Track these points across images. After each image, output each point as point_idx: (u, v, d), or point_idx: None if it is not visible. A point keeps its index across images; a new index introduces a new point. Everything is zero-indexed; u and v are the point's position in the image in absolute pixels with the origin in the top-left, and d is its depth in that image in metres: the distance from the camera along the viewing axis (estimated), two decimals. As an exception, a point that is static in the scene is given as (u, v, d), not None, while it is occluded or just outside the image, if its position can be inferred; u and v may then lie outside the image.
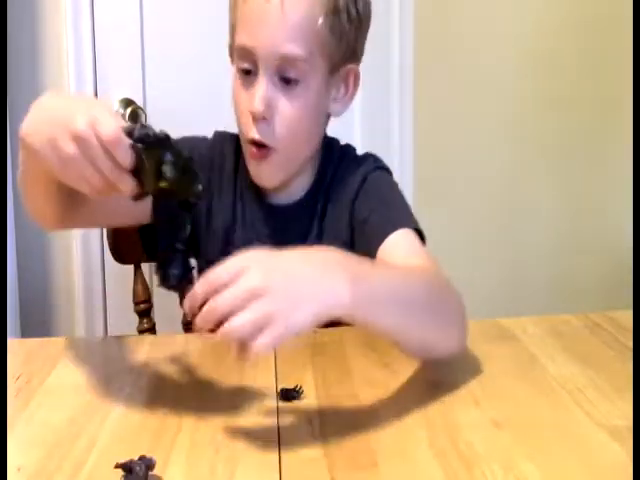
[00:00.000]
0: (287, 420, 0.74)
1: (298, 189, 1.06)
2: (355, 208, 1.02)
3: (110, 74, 1.61)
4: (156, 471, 0.62)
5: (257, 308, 0.64)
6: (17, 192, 1.53)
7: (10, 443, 0.69)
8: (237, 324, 0.64)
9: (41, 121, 0.77)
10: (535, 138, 2.02)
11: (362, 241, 1.00)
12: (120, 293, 1.51)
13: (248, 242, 1.03)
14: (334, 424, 0.73)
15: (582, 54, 2.00)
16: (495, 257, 1.99)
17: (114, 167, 0.70)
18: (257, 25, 0.95)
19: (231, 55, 1.04)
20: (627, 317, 1.04)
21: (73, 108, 0.72)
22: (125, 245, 1.32)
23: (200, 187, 0.71)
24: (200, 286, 0.67)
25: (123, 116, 1.61)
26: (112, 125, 0.69)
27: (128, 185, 0.71)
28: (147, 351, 0.96)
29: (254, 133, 0.99)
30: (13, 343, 1.03)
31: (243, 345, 0.65)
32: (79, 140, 0.69)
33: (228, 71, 1.76)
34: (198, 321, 0.66)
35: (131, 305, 1.34)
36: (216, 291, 0.65)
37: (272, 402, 0.78)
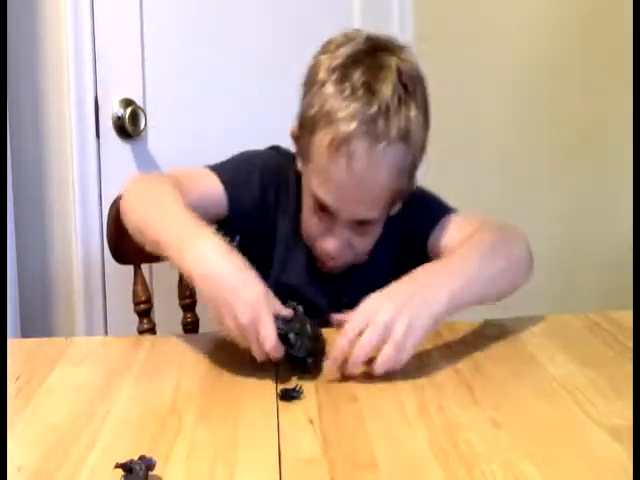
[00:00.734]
0: (287, 420, 0.74)
1: None
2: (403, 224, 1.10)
3: (110, 74, 1.61)
4: (156, 471, 0.62)
5: (393, 339, 0.83)
6: (17, 192, 1.54)
7: (10, 443, 0.69)
8: (387, 356, 0.83)
9: (211, 283, 0.84)
10: (535, 139, 2.02)
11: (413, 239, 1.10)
12: (120, 293, 1.51)
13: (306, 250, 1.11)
14: (334, 424, 0.73)
15: (583, 55, 2.00)
16: (495, 257, 1.99)
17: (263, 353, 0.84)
18: (339, 191, 0.98)
19: (296, 146, 1.07)
20: (627, 317, 1.04)
21: (238, 291, 0.83)
22: (125, 245, 1.32)
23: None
24: (344, 340, 0.83)
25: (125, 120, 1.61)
26: (272, 337, 0.81)
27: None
28: (147, 351, 0.96)
29: (324, 256, 1.07)
30: (13, 343, 1.03)
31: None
32: (241, 329, 0.82)
33: (228, 71, 1.76)
34: (350, 367, 0.83)
35: (131, 305, 1.34)
36: (356, 338, 0.83)
37: (272, 402, 0.78)
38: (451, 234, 1.07)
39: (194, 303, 1.38)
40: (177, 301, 1.39)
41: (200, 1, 1.70)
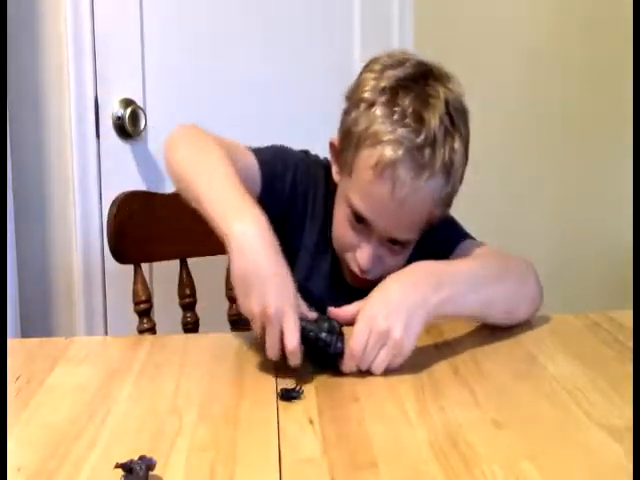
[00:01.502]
0: (287, 420, 0.74)
1: None
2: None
3: (110, 74, 1.61)
4: (156, 471, 0.62)
5: (388, 346, 0.86)
6: (17, 192, 1.54)
7: (10, 443, 0.69)
8: (380, 361, 0.86)
9: (248, 261, 0.85)
10: (535, 140, 2.02)
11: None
12: (120, 293, 1.51)
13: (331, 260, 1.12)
14: (334, 424, 0.73)
15: (583, 52, 2.00)
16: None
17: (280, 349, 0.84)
18: (379, 211, 1.00)
19: (334, 156, 1.08)
20: (627, 317, 1.04)
21: (273, 279, 0.84)
22: (125, 245, 1.32)
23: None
24: (353, 362, 0.86)
25: (120, 121, 1.61)
26: (295, 335, 0.82)
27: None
28: (147, 351, 0.96)
29: (357, 270, 1.06)
30: (13, 343, 1.03)
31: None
32: (266, 317, 0.82)
33: (228, 71, 1.76)
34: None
35: (131, 305, 1.34)
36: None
37: (272, 402, 0.78)
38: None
39: (194, 303, 1.39)
40: (177, 301, 1.39)
41: (200, 1, 1.70)
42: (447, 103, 0.97)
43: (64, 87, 1.58)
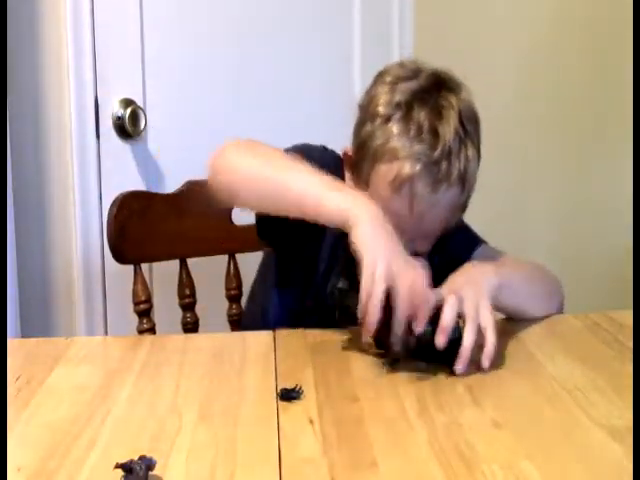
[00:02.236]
0: (287, 420, 0.74)
1: None
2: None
3: (110, 74, 1.61)
4: (156, 471, 0.62)
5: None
6: (17, 192, 1.54)
7: (10, 443, 0.69)
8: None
9: (379, 242, 0.88)
10: (535, 139, 2.02)
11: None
12: (120, 293, 1.51)
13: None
14: (334, 424, 0.73)
15: (584, 53, 2.00)
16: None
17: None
18: (396, 224, 0.98)
19: (348, 165, 1.09)
20: (627, 317, 1.04)
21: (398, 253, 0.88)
22: (125, 245, 1.32)
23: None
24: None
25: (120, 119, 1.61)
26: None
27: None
28: (147, 351, 0.96)
29: None
30: (13, 343, 1.03)
31: None
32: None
33: (228, 71, 1.76)
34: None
35: (131, 305, 1.34)
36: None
37: (272, 402, 0.78)
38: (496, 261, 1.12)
39: (194, 303, 1.39)
40: (177, 301, 1.39)
41: (200, 1, 1.70)
42: (460, 113, 0.99)
43: (64, 87, 1.58)
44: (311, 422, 0.73)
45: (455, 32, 1.93)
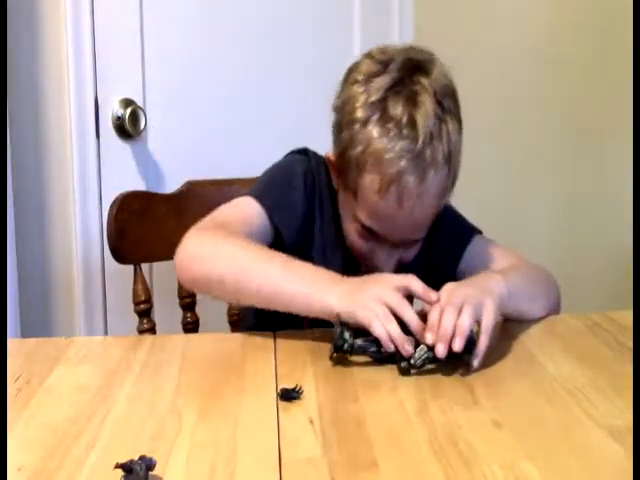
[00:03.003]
0: (287, 420, 0.74)
1: None
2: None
3: (110, 74, 1.61)
4: (156, 471, 0.62)
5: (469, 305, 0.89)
6: (17, 192, 1.54)
7: (10, 443, 0.69)
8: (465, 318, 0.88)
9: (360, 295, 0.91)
10: (534, 139, 2.02)
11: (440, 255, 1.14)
12: (120, 293, 1.51)
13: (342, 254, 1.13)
14: (334, 424, 0.73)
15: (584, 53, 2.00)
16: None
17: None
18: (388, 223, 1.01)
19: (334, 171, 1.08)
20: (627, 317, 1.04)
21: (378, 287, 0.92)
22: (125, 245, 1.32)
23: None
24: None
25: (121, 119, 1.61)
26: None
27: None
28: (147, 351, 0.96)
29: (372, 270, 1.05)
30: (13, 343, 1.03)
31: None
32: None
33: (228, 71, 1.76)
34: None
35: (131, 305, 1.34)
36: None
37: (272, 402, 0.78)
38: (492, 257, 1.14)
39: (194, 303, 1.39)
40: (177, 301, 1.39)
41: (200, 1, 1.70)
42: (435, 94, 0.97)
43: (64, 87, 1.58)
44: (311, 422, 0.73)
45: (455, 32, 1.93)
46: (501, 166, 2.01)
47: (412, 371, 0.86)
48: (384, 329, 0.86)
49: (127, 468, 0.61)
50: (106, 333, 1.66)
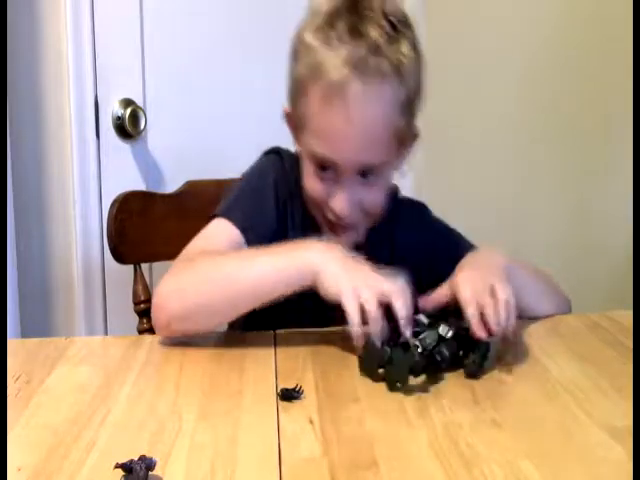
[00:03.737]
0: (287, 420, 0.74)
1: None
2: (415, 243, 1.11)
3: (110, 74, 1.61)
4: (156, 471, 0.62)
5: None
6: (17, 192, 1.54)
7: (10, 443, 0.69)
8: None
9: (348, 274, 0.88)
10: (537, 139, 2.02)
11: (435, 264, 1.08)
12: (120, 293, 1.51)
13: None
14: (334, 424, 0.73)
15: (588, 55, 2.00)
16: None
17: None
18: (339, 142, 0.96)
19: (290, 123, 1.05)
20: (627, 317, 1.04)
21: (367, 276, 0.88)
22: (125, 245, 1.32)
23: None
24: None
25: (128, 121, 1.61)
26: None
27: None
28: (147, 351, 0.96)
29: (336, 219, 1.02)
30: (13, 343, 1.03)
31: None
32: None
33: (228, 71, 1.76)
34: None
35: (131, 305, 1.34)
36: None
37: (272, 402, 0.78)
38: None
39: (194, 303, 1.38)
40: (177, 301, 1.38)
41: (200, 1, 1.70)
42: (385, 13, 0.93)
43: (64, 87, 1.59)
44: (311, 422, 0.73)
45: (461, 34, 1.93)
46: (503, 166, 2.00)
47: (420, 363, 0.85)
48: (357, 303, 0.83)
49: (127, 468, 0.61)
50: (106, 333, 1.66)
